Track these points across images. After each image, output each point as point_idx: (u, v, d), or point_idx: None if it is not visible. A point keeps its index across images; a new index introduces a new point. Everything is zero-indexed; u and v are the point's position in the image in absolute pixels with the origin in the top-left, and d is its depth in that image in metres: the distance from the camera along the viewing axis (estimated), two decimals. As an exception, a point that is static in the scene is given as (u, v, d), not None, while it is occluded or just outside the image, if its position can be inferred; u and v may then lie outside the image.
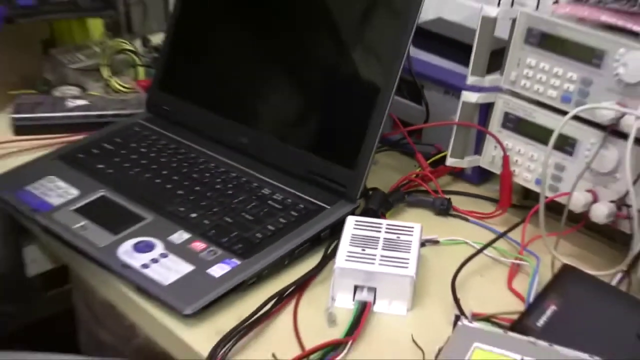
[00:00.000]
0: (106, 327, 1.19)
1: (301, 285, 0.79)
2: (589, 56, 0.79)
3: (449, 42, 1.08)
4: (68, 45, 1.33)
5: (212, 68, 1.08)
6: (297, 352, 0.70)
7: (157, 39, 1.29)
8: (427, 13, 1.02)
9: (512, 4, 0.95)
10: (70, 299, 1.23)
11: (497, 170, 0.92)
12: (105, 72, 1.14)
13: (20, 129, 1.03)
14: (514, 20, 0.86)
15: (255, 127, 1.01)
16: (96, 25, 1.36)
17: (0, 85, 1.18)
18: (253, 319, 0.73)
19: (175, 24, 1.10)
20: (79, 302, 1.23)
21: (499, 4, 0.99)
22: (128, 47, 1.17)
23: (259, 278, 0.79)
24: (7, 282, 0.92)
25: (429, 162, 0.99)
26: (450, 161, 0.94)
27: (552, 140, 0.78)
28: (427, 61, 1.07)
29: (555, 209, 0.83)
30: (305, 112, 1.01)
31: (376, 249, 0.76)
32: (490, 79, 0.90)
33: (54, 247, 0.93)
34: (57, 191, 0.90)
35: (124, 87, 1.14)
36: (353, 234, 0.78)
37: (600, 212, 0.78)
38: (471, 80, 0.90)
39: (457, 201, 0.95)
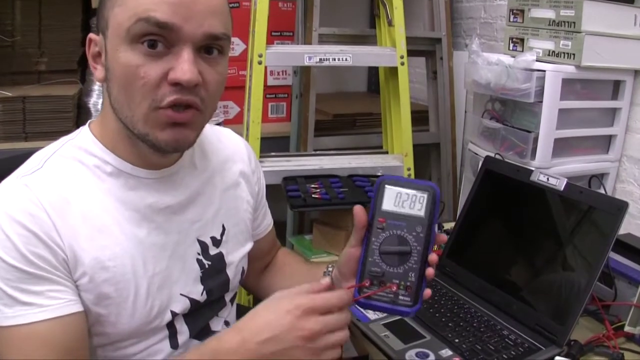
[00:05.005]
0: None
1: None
2: None
3: (634, 250, 1.26)
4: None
5: (480, 250, 1.33)
6: None
7: (447, 225, 1.62)
8: (621, 230, 1.11)
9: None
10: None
11: (657, 336, 1.08)
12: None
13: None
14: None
15: (505, 291, 1.22)
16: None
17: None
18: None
19: (461, 221, 1.39)
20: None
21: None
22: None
23: (492, 385, 1.00)
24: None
25: (612, 327, 1.16)
26: (627, 328, 1.12)
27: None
28: (618, 260, 1.25)
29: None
30: (538, 286, 1.21)
31: (572, 381, 0.94)
32: (660, 276, 1.06)
33: (363, 342, 1.14)
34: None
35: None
36: (558, 369, 0.97)
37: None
38: (649, 276, 1.07)
39: (627, 355, 1.09)
